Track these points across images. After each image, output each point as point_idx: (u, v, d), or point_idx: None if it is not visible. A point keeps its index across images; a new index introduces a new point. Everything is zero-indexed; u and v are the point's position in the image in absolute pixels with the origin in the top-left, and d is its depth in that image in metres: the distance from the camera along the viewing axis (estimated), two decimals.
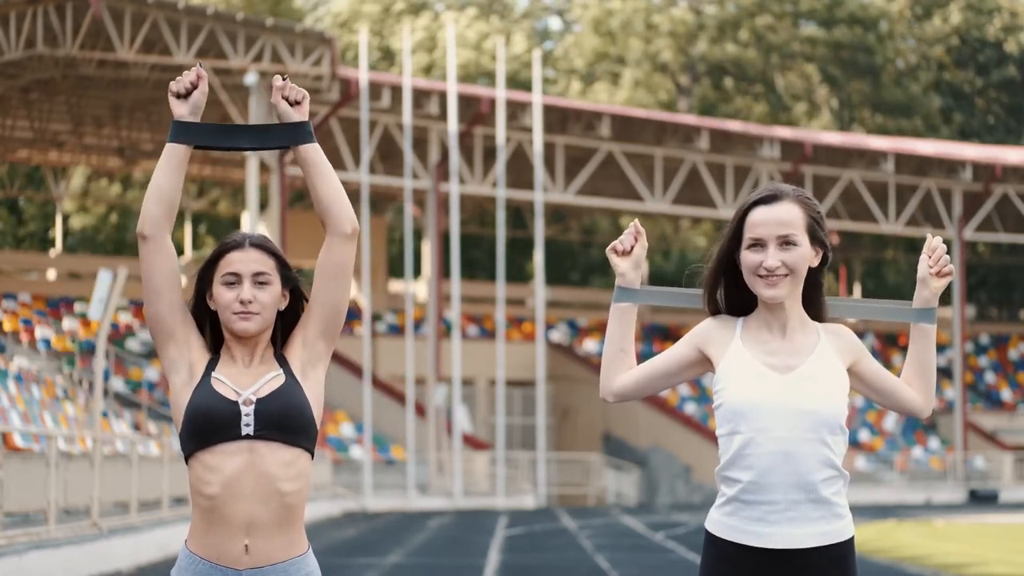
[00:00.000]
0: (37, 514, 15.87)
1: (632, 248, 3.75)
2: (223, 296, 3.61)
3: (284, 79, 3.62)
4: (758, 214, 3.62)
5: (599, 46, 60.13)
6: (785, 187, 3.67)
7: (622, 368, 3.79)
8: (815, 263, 3.65)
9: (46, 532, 14.78)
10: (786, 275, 3.60)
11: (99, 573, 15.32)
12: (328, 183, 3.73)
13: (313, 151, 3.68)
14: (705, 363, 3.71)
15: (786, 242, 3.60)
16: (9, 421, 24.54)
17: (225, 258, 3.63)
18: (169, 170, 3.62)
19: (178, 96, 3.61)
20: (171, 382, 3.64)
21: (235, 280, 3.61)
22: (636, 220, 3.80)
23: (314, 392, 3.63)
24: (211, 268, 3.65)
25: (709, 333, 3.70)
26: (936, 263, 3.70)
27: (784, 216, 3.61)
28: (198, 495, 3.55)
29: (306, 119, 3.64)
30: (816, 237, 3.63)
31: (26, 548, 13.47)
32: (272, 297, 3.63)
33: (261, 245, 3.65)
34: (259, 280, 3.62)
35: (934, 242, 3.72)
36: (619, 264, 3.76)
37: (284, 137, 3.64)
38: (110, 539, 16.13)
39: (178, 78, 3.61)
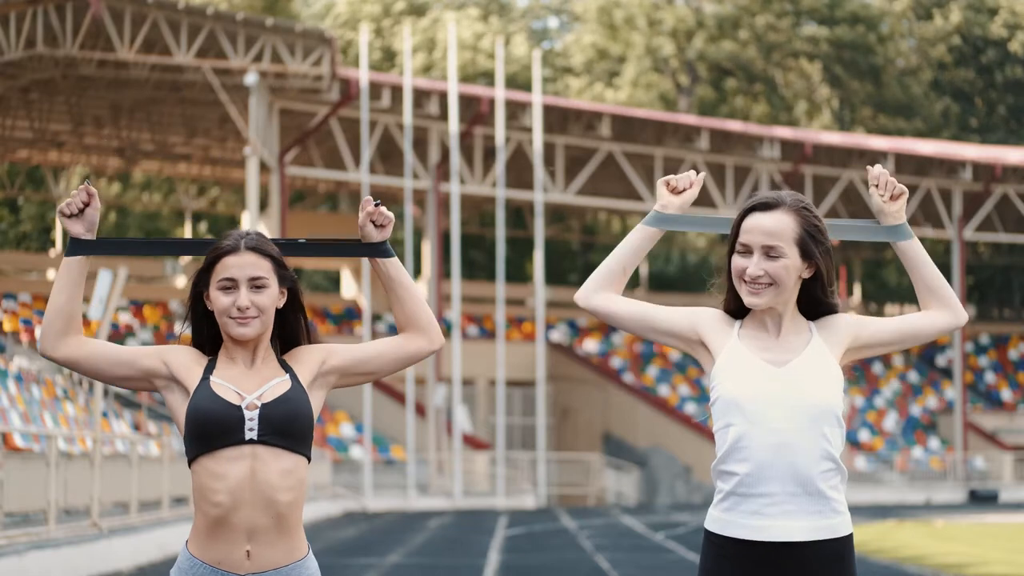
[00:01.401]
0: (37, 514, 15.88)
1: (684, 190, 3.76)
2: (220, 301, 3.60)
3: (377, 204, 3.68)
4: (750, 220, 3.63)
5: (600, 41, 60.10)
6: (785, 196, 3.66)
7: (612, 286, 3.77)
8: (806, 275, 3.63)
9: (46, 532, 14.78)
10: (769, 284, 3.60)
11: (99, 573, 15.32)
12: (414, 299, 3.74)
13: (394, 267, 3.72)
14: (696, 346, 3.70)
15: (771, 253, 3.60)
16: (9, 421, 24.53)
17: (221, 263, 3.61)
18: (66, 286, 3.61)
19: (69, 216, 3.60)
20: (167, 401, 3.65)
21: (231, 285, 3.60)
22: (695, 173, 3.79)
23: (316, 404, 3.65)
24: (207, 273, 3.63)
25: (713, 323, 3.70)
26: (887, 190, 3.70)
27: (772, 226, 3.60)
28: (204, 502, 3.54)
29: (387, 239, 3.71)
30: (807, 251, 3.61)
31: (26, 548, 13.47)
32: (270, 299, 3.62)
33: (256, 247, 3.63)
34: (255, 284, 3.61)
35: (876, 171, 3.72)
36: (664, 196, 3.77)
37: (358, 251, 3.73)
38: (110, 539, 16.12)
39: (68, 200, 3.59)
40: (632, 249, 3.76)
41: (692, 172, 3.78)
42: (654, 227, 3.75)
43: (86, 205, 3.60)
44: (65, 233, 42.81)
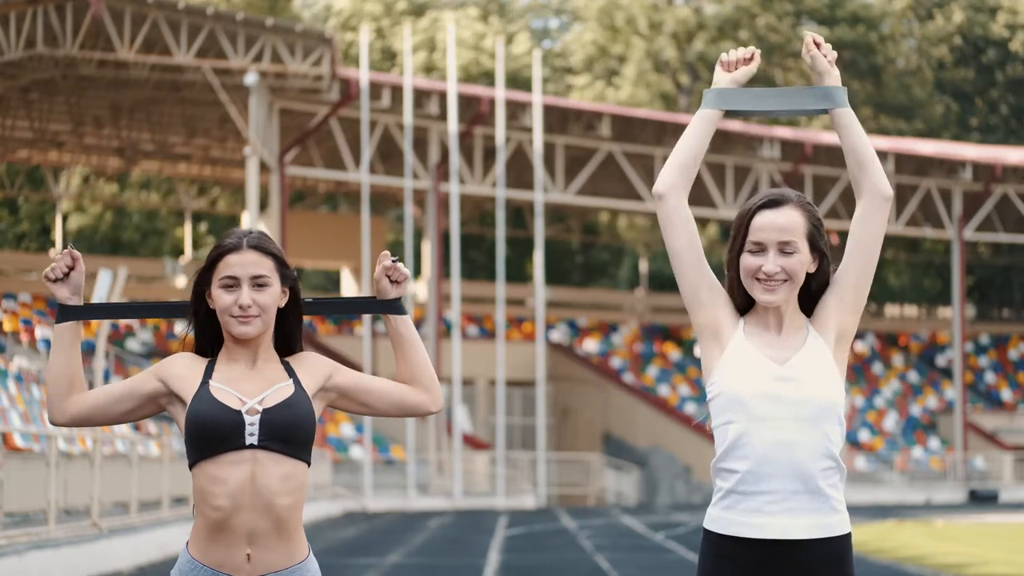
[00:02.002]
0: (37, 514, 15.88)
1: (740, 65, 3.73)
2: (222, 300, 3.59)
3: (395, 260, 3.68)
4: (761, 218, 3.63)
5: (600, 40, 60.08)
6: (789, 192, 3.69)
7: (686, 175, 3.69)
8: (812, 269, 3.66)
9: (46, 532, 14.78)
10: (784, 281, 3.62)
11: (99, 573, 15.32)
12: (421, 359, 3.73)
13: (405, 324, 3.72)
14: (713, 317, 3.65)
15: (786, 248, 3.61)
16: (9, 421, 24.53)
17: (223, 261, 3.60)
18: (62, 351, 3.62)
19: (54, 281, 3.61)
20: (171, 413, 3.66)
21: (233, 284, 3.59)
22: (751, 48, 3.76)
23: (317, 410, 3.65)
24: (209, 271, 3.62)
25: (728, 313, 3.68)
26: (828, 51, 3.70)
27: (786, 222, 3.62)
28: (204, 505, 3.54)
29: (402, 295, 3.71)
30: (815, 245, 3.64)
31: (26, 548, 13.47)
32: (272, 298, 3.61)
33: (258, 246, 3.62)
34: (257, 283, 3.59)
35: (811, 34, 3.73)
36: (720, 76, 3.75)
37: (372, 308, 3.72)
38: (110, 539, 16.13)
39: (52, 264, 3.61)
40: (697, 137, 3.72)
41: (751, 49, 3.76)
42: (712, 108, 3.72)
43: (71, 269, 3.61)
44: (65, 233, 42.57)
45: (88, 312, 3.65)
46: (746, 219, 3.66)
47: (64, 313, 3.62)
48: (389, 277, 3.68)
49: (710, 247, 59.80)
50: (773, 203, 3.65)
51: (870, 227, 3.70)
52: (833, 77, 3.72)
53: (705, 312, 3.68)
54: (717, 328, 3.67)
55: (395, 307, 3.70)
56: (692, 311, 3.71)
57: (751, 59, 3.75)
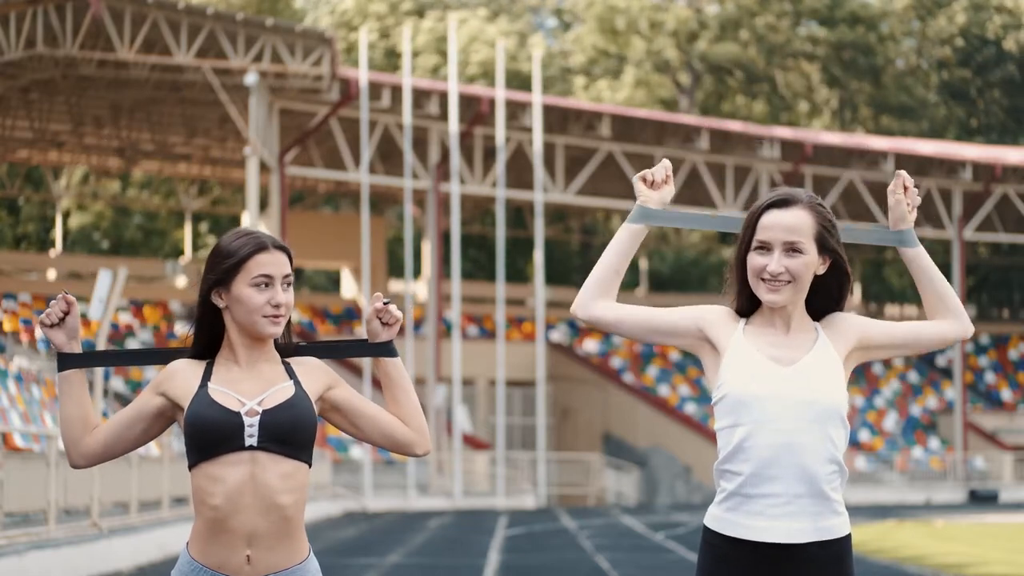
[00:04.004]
0: (37, 514, 15.87)
1: (662, 184, 3.71)
2: (253, 299, 3.54)
3: (387, 302, 3.64)
4: (768, 218, 3.61)
5: (601, 42, 60.10)
6: (800, 192, 3.65)
7: (609, 292, 3.70)
8: (821, 271, 3.63)
9: (46, 532, 14.78)
10: (789, 282, 3.59)
11: (99, 573, 15.32)
12: (410, 403, 3.69)
13: (394, 367, 3.67)
14: (700, 344, 3.67)
15: (792, 249, 3.59)
16: (9, 421, 24.54)
17: (254, 259, 3.55)
18: (70, 397, 3.63)
19: (51, 326, 3.61)
20: (177, 421, 3.65)
21: (267, 282, 3.55)
22: (668, 162, 3.75)
23: (317, 410, 3.64)
24: (236, 269, 3.56)
25: (718, 319, 3.67)
26: (910, 197, 3.72)
27: (793, 222, 3.59)
28: (202, 505, 3.53)
29: (393, 338, 3.67)
30: (826, 246, 3.61)
31: (26, 548, 13.47)
32: (293, 298, 3.60)
33: (282, 247, 3.60)
34: (287, 282, 3.58)
35: (903, 174, 3.73)
36: (643, 191, 3.71)
37: (361, 352, 3.67)
38: (110, 539, 16.13)
39: (47, 310, 3.61)
40: (620, 250, 3.70)
41: (666, 162, 3.74)
42: (639, 224, 3.69)
43: (66, 314, 3.61)
44: (65, 234, 42.60)
45: (87, 360, 3.66)
46: (754, 218, 3.63)
47: (63, 361, 3.64)
48: (380, 319, 3.64)
49: (708, 246, 59.87)
50: (782, 203, 3.62)
51: (934, 339, 3.71)
52: (908, 223, 3.71)
53: (696, 342, 3.67)
54: (714, 342, 3.66)
55: (386, 350, 3.65)
56: (696, 351, 3.70)
57: (667, 179, 3.72)
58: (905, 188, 3.71)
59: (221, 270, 3.56)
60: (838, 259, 3.63)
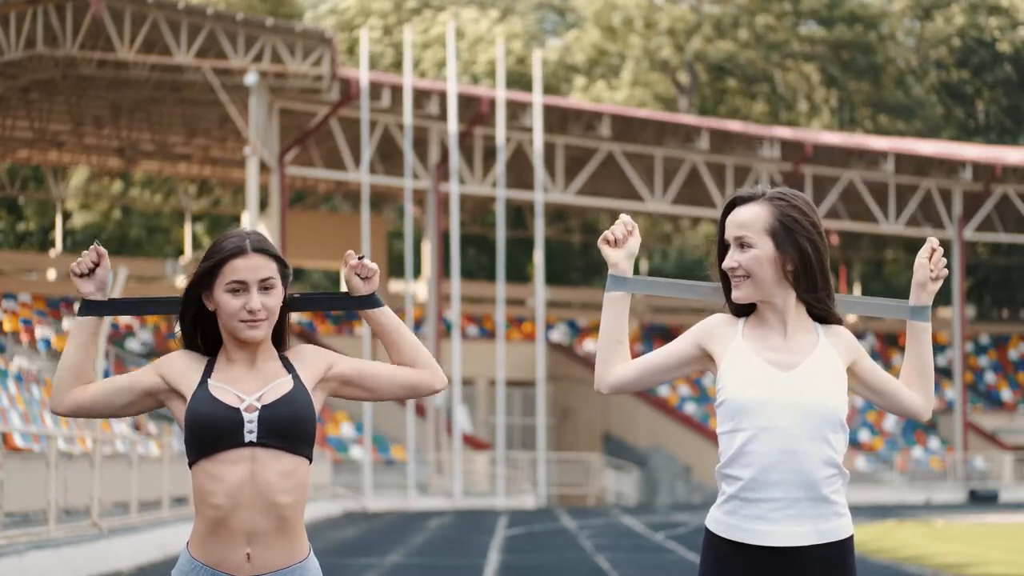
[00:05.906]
0: (37, 514, 15.88)
1: (625, 240, 3.73)
2: (229, 304, 3.56)
3: (360, 258, 3.68)
4: (729, 216, 3.65)
5: (599, 41, 60.05)
6: (760, 189, 3.66)
7: (618, 359, 3.72)
8: (790, 266, 3.58)
9: (46, 532, 14.78)
10: (746, 276, 3.59)
11: (99, 573, 15.32)
12: (410, 343, 3.74)
13: (385, 315, 3.72)
14: (705, 360, 3.68)
15: (742, 244, 3.60)
16: (9, 421, 24.54)
17: (228, 265, 3.56)
18: (79, 344, 3.64)
19: (80, 276, 3.64)
20: (170, 410, 3.66)
21: (241, 288, 3.56)
22: (626, 216, 3.76)
23: (317, 404, 3.63)
24: (212, 275, 3.58)
25: (713, 329, 3.68)
26: (937, 268, 3.72)
27: (743, 218, 3.60)
28: (203, 504, 3.53)
29: (375, 290, 3.70)
30: (782, 239, 3.57)
31: (26, 548, 13.47)
32: (277, 300, 3.60)
33: (262, 248, 3.59)
34: (264, 286, 3.57)
35: (935, 243, 3.74)
36: (611, 254, 3.73)
37: (347, 304, 3.71)
38: (110, 539, 16.13)
39: (79, 259, 3.64)
40: (612, 321, 3.72)
41: (626, 217, 3.74)
42: (616, 292, 3.72)
43: (96, 265, 3.64)
44: (67, 234, 42.60)
45: (111, 307, 3.68)
46: (722, 218, 3.67)
47: (87, 307, 3.65)
48: (358, 275, 3.68)
49: (708, 247, 59.81)
50: (741, 200, 3.64)
51: (899, 404, 3.72)
52: (929, 293, 3.74)
53: (708, 360, 3.68)
54: (713, 354, 3.67)
55: (370, 301, 3.69)
56: (708, 368, 3.71)
57: (630, 232, 3.72)
58: (931, 254, 3.73)
59: (198, 275, 3.61)
60: (803, 254, 3.58)
